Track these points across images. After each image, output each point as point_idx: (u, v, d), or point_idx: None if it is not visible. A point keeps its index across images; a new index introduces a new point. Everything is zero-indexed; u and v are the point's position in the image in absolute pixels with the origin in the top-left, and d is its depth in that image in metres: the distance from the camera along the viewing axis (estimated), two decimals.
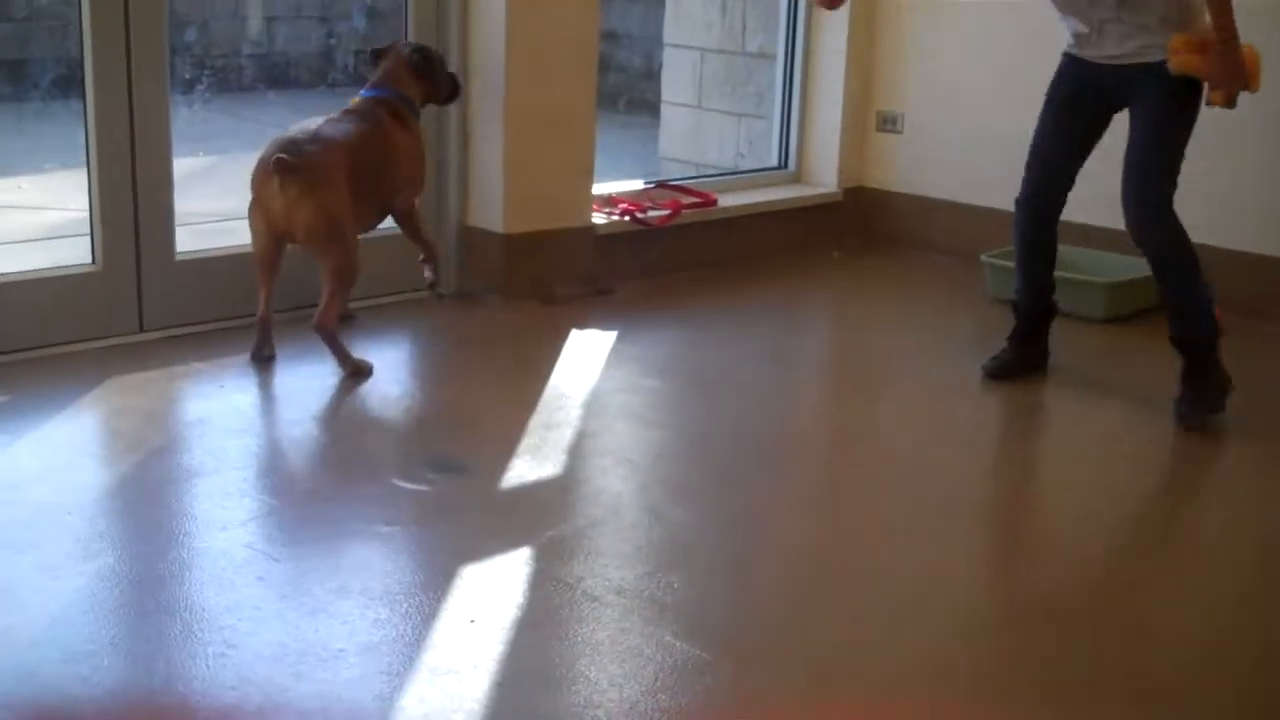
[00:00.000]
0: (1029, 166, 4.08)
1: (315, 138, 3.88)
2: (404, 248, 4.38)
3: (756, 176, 5.71)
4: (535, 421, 3.64)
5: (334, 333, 3.88)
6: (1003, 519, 3.27)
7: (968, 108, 5.43)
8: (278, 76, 8.00)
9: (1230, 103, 3.72)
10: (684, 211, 5.11)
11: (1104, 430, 3.86)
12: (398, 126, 4.13)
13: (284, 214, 3.80)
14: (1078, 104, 3.97)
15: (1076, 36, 3.92)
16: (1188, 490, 3.66)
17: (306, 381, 3.86)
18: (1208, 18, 3.65)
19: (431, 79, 4.25)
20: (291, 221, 3.80)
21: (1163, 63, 3.74)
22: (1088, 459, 3.69)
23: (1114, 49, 3.83)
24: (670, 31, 6.68)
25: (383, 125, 4.08)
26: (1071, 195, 5.15)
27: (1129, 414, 3.96)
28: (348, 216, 3.88)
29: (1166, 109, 3.79)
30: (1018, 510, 3.34)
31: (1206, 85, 3.74)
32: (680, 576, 2.86)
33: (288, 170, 3.76)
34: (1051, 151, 4.03)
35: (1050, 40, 5.12)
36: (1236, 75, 3.67)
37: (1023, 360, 4.17)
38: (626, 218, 4.95)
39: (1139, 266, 4.85)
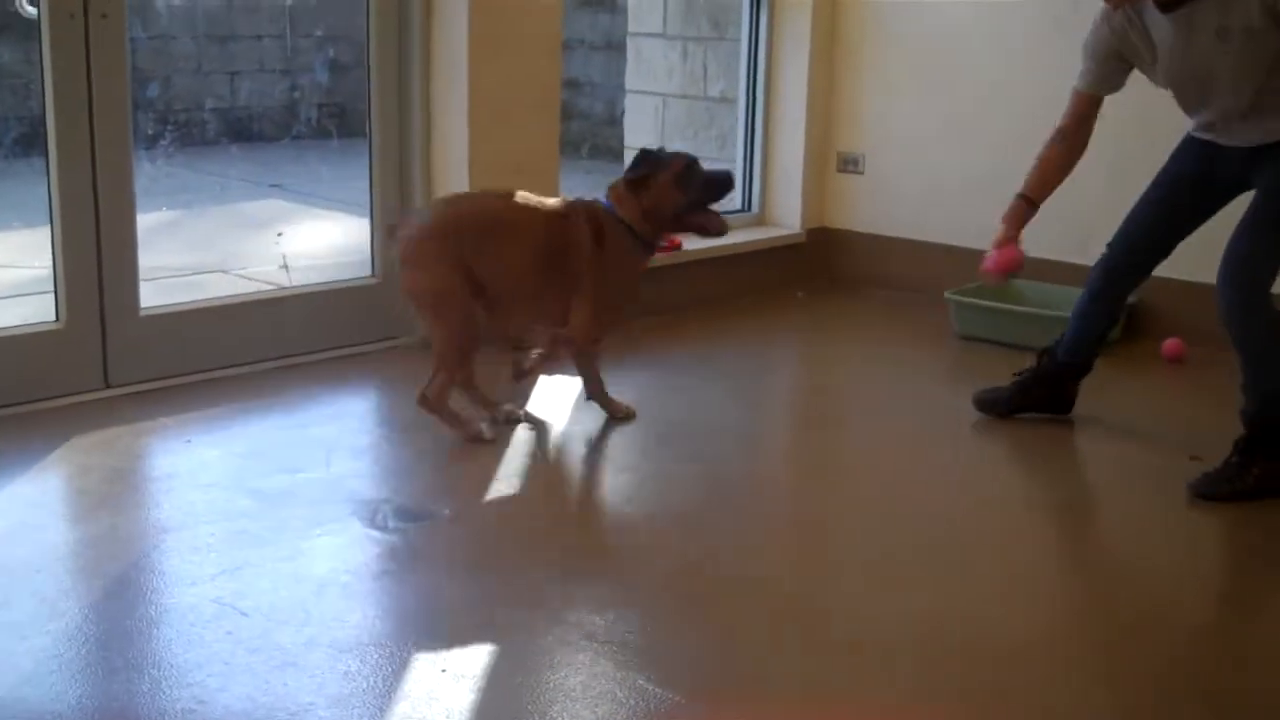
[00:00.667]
0: (1123, 230, 4.00)
1: (443, 207, 3.91)
2: (366, 295, 4.39)
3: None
4: (505, 468, 3.64)
5: (434, 407, 3.77)
6: (974, 557, 3.28)
7: (927, 147, 5.48)
8: (241, 130, 8.01)
9: None
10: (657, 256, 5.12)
11: (1080, 464, 3.89)
12: (585, 237, 3.79)
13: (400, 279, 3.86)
14: (1197, 184, 3.85)
15: (1201, 125, 3.80)
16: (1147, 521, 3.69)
17: (275, 434, 3.85)
18: None
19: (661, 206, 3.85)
20: (401, 286, 3.85)
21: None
22: (1061, 494, 3.71)
23: (1243, 136, 3.70)
24: (632, 78, 6.73)
25: (559, 226, 3.80)
26: (1051, 233, 5.23)
27: (1094, 444, 3.99)
28: (447, 295, 3.69)
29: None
30: (992, 548, 3.35)
31: None
32: (652, 619, 2.86)
33: (389, 235, 3.90)
34: (1156, 222, 3.93)
35: (1007, 80, 5.22)
36: None
37: (1032, 403, 4.12)
38: None
39: None
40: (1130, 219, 3.96)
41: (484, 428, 3.82)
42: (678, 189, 3.84)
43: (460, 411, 3.84)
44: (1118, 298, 4.07)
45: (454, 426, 3.80)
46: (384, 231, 3.80)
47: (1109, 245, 4.02)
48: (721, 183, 3.93)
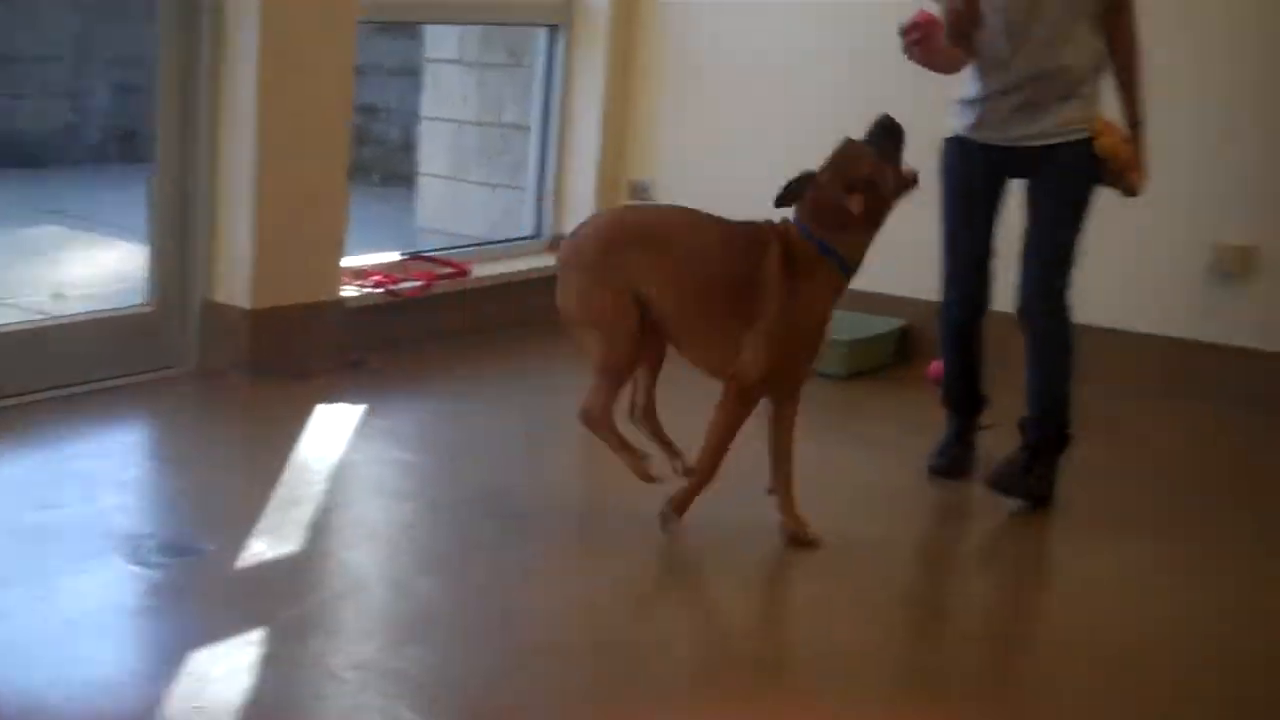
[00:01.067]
0: (947, 256, 3.94)
1: (615, 216, 3.78)
2: (139, 324, 4.27)
3: (511, 246, 5.73)
4: (277, 498, 3.57)
5: (596, 424, 3.52)
6: (739, 579, 3.33)
7: (716, 174, 5.56)
8: (21, 155, 7.71)
9: (1139, 191, 3.76)
10: (437, 282, 5.11)
11: (860, 479, 3.99)
12: (775, 264, 3.39)
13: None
14: (984, 190, 3.88)
15: (980, 114, 3.81)
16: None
17: (37, 469, 3.71)
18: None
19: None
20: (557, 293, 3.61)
21: (1083, 140, 3.70)
22: (838, 508, 3.78)
23: (1022, 129, 3.75)
24: (428, 105, 6.70)
25: (745, 250, 3.43)
26: None
27: (872, 462, 4.09)
28: (604, 309, 3.44)
29: (1082, 189, 3.75)
30: (763, 564, 3.40)
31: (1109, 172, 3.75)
32: (422, 649, 2.84)
33: (552, 246, 3.57)
34: (973, 245, 3.89)
35: (796, 111, 5.34)
36: (1144, 162, 3.75)
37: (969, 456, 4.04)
38: (380, 290, 4.92)
39: (876, 325, 5.07)
40: (946, 254, 3.94)
41: (652, 467, 3.52)
42: (880, 164, 3.43)
43: (630, 440, 3.57)
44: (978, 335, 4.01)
45: (620, 453, 3.53)
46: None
47: (951, 305, 3.94)
48: (885, 125, 3.49)
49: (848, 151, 3.44)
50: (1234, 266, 4.49)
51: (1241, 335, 4.55)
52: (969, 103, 3.81)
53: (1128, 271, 4.68)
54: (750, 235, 3.44)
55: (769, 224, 3.45)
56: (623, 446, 3.54)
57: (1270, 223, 4.41)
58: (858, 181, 3.37)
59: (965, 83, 3.80)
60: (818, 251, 3.39)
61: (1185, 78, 4.48)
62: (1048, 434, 3.75)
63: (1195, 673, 2.99)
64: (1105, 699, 2.83)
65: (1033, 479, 3.73)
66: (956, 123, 3.84)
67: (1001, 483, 3.74)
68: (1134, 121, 3.76)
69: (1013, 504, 3.75)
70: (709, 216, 3.51)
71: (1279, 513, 3.92)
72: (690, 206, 3.59)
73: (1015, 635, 3.26)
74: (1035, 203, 3.80)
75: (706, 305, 3.43)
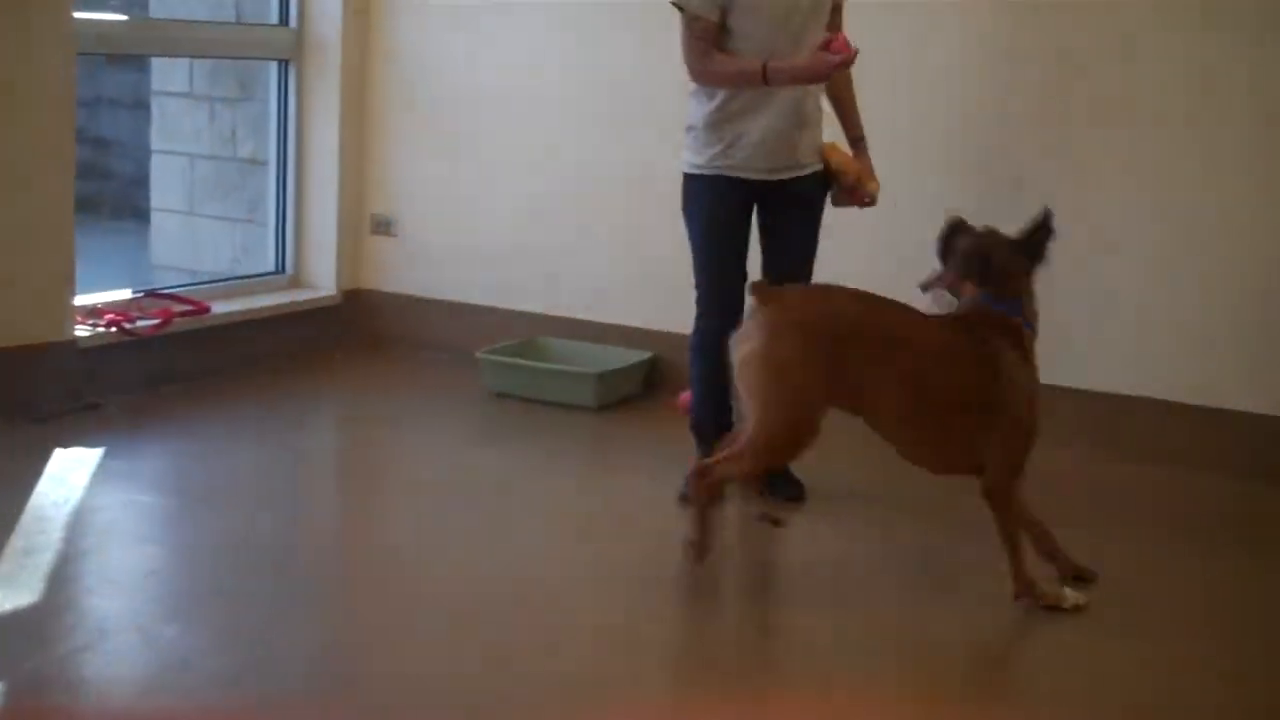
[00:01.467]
0: (710, 287, 3.96)
1: (816, 301, 3.43)
2: None
3: (253, 282, 5.64)
4: (13, 548, 3.42)
5: (708, 491, 3.38)
6: (523, 601, 3.36)
7: (457, 209, 5.60)
8: None
9: (877, 199, 4.01)
10: (176, 320, 4.98)
11: (610, 507, 4.06)
12: (1005, 357, 3.28)
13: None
14: (740, 219, 3.96)
15: (738, 147, 3.86)
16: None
17: None
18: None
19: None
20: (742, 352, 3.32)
21: (817, 170, 3.92)
22: (597, 535, 3.85)
23: (776, 163, 3.87)
24: (158, 138, 6.52)
25: (972, 351, 3.28)
26: (563, 289, 5.45)
27: (624, 490, 4.18)
28: (792, 384, 3.27)
29: (818, 214, 3.99)
30: (541, 593, 3.44)
31: (839, 187, 3.96)
32: (169, 696, 2.77)
33: (755, 291, 3.38)
34: (733, 272, 3.93)
35: (531, 145, 5.41)
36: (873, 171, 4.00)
37: None
38: (113, 329, 4.76)
39: (625, 357, 5.18)
40: (714, 290, 3.96)
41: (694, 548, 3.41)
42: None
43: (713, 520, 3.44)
44: None
45: (696, 527, 3.41)
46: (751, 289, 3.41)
47: (708, 317, 3.96)
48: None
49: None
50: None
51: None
52: (723, 136, 3.89)
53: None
54: (967, 329, 3.32)
55: (976, 310, 3.34)
56: (704, 527, 3.42)
57: None
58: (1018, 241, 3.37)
59: (714, 117, 3.88)
60: (1022, 325, 3.33)
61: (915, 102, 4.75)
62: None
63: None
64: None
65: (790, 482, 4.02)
66: (705, 157, 3.91)
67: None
68: (858, 137, 4.05)
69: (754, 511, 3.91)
70: (912, 310, 3.37)
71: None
72: (880, 295, 3.41)
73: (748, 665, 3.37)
74: (785, 230, 3.99)
75: (939, 410, 3.31)
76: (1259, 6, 4.29)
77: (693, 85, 3.93)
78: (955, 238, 3.42)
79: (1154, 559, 3.78)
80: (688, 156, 3.97)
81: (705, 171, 3.93)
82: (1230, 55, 4.32)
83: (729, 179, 3.92)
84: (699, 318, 4.03)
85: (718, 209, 3.95)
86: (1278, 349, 4.39)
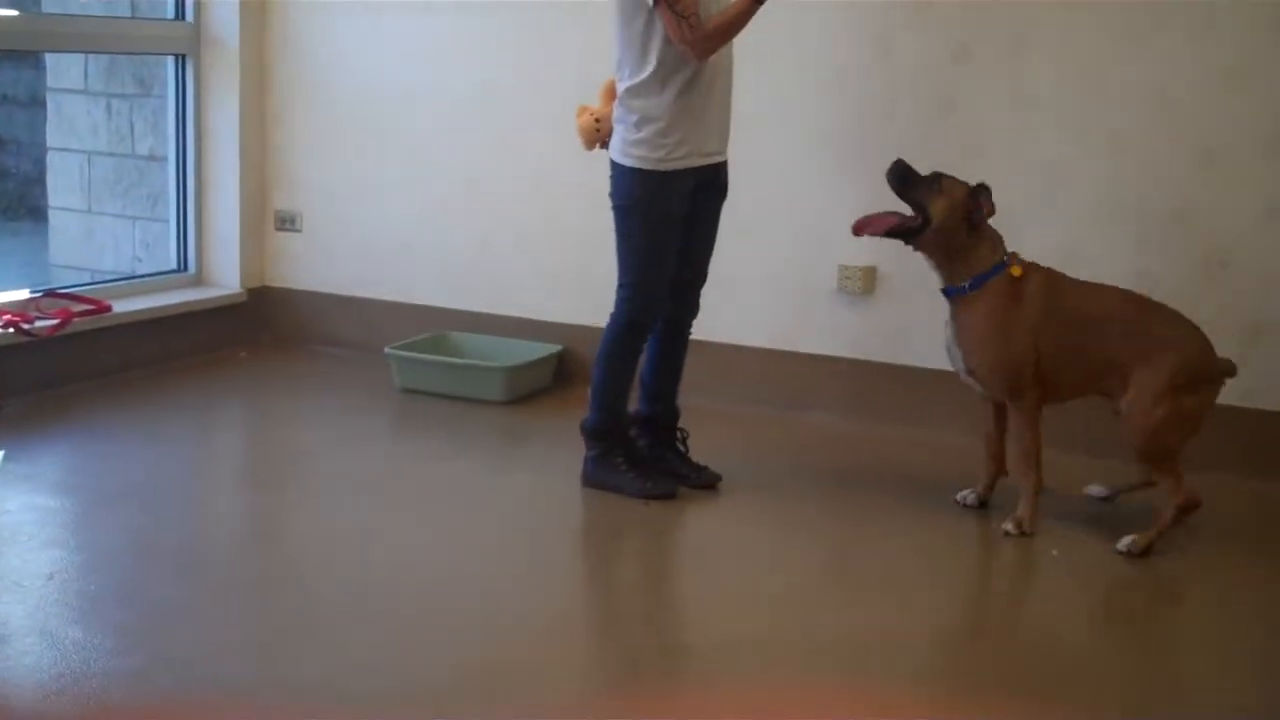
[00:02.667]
0: (653, 284, 3.97)
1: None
2: None
3: (155, 280, 5.56)
4: None
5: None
6: (435, 597, 3.35)
7: (363, 204, 5.56)
8: None
9: None
10: (76, 320, 4.90)
11: (520, 499, 4.06)
12: None
13: None
14: (683, 212, 3.95)
15: (696, 135, 3.87)
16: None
17: None
18: None
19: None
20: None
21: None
22: (505, 526, 3.86)
23: (717, 145, 3.94)
24: (54, 135, 6.41)
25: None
26: (470, 285, 5.44)
27: (536, 483, 4.19)
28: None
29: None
30: (453, 588, 3.44)
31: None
32: (73, 698, 2.74)
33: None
34: (669, 268, 3.97)
35: (433, 142, 5.39)
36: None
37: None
38: (10, 329, 4.68)
39: (534, 350, 5.19)
40: (655, 281, 3.97)
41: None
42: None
43: None
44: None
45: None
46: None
47: (644, 311, 3.99)
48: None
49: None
50: (857, 285, 4.81)
51: (865, 348, 4.87)
52: (683, 125, 3.84)
53: (758, 292, 4.95)
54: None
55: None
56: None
57: (889, 244, 4.75)
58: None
59: (675, 108, 3.83)
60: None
61: (800, 107, 4.80)
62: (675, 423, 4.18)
63: None
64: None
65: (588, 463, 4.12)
66: (664, 152, 3.85)
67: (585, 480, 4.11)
68: None
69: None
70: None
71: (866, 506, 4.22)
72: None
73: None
74: (710, 218, 4.05)
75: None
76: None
77: (638, 80, 3.81)
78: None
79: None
80: (640, 152, 3.86)
81: (663, 167, 3.86)
82: (1120, 54, 4.42)
83: (684, 171, 3.89)
84: (630, 312, 3.99)
85: (672, 205, 3.92)
86: None
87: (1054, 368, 3.80)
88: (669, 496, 4.03)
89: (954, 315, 3.89)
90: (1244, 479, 4.28)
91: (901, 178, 3.90)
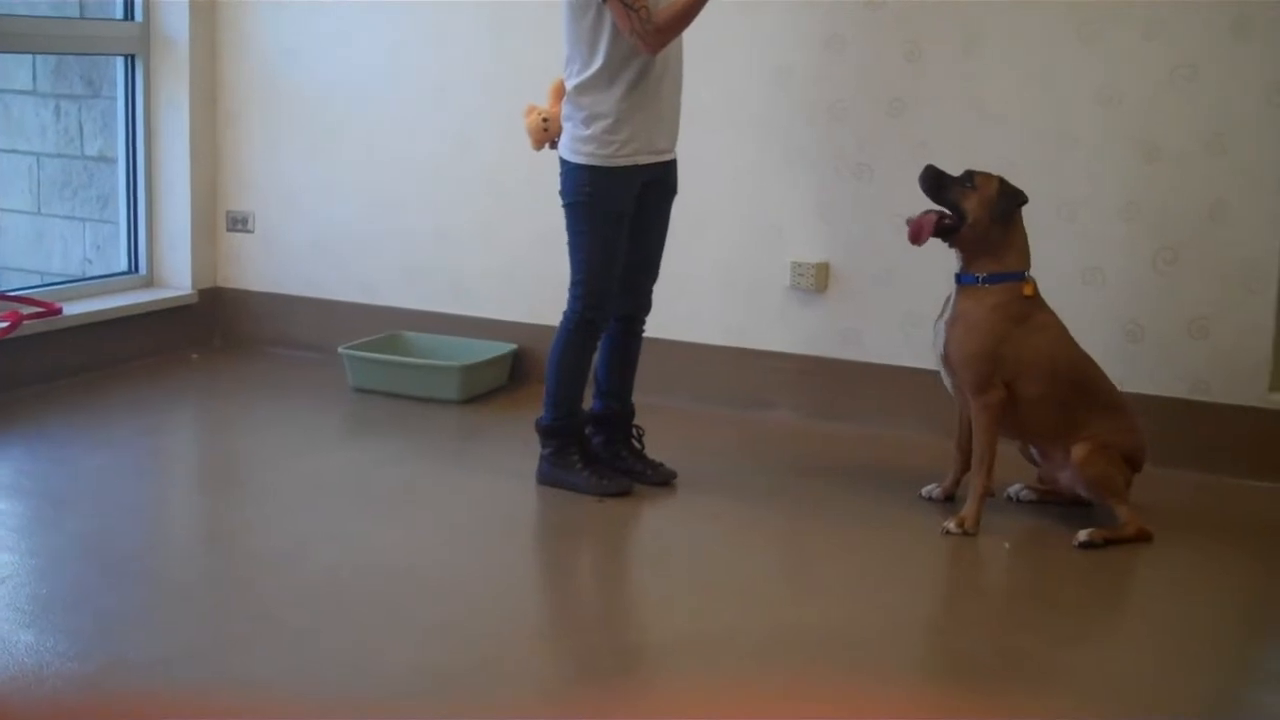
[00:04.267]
0: (604, 282, 3.95)
1: None
2: None
3: (106, 282, 5.52)
4: None
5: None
6: (391, 598, 3.34)
7: (315, 204, 5.54)
8: None
9: None
10: (26, 322, 4.85)
11: (476, 498, 4.05)
12: None
13: None
14: (630, 212, 3.95)
15: (646, 131, 3.87)
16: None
17: None
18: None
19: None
20: None
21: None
22: (459, 526, 3.85)
23: (666, 143, 3.96)
24: (2, 137, 6.33)
25: None
26: (425, 284, 5.43)
27: (492, 482, 4.18)
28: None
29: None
30: (409, 589, 3.43)
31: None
32: (24, 701, 2.71)
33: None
34: (620, 264, 3.98)
35: (384, 143, 5.37)
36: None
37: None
38: None
39: (488, 349, 5.18)
40: (606, 278, 3.97)
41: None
42: None
43: None
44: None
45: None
46: None
47: (597, 309, 3.98)
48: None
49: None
50: (810, 282, 4.84)
51: (819, 345, 4.90)
52: (634, 121, 3.84)
53: (711, 289, 4.97)
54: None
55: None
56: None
57: (839, 240, 4.77)
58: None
59: (624, 105, 3.83)
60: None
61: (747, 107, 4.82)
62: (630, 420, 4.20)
63: None
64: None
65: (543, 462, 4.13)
66: (613, 148, 3.85)
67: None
68: None
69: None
70: None
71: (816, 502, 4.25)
72: None
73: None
74: (661, 218, 4.06)
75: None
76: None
77: (586, 76, 3.82)
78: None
79: None
80: (589, 149, 3.86)
81: (612, 164, 3.86)
82: (1069, 52, 4.46)
83: (633, 168, 3.89)
84: (583, 310, 3.98)
85: (622, 202, 3.92)
86: None
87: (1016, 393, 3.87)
88: (624, 494, 4.03)
89: (956, 301, 3.91)
90: (1191, 471, 4.33)
91: (934, 183, 3.91)
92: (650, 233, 4.06)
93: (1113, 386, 3.94)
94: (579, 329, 4.02)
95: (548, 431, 4.10)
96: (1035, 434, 3.96)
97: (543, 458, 4.11)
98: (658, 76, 3.85)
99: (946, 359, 3.92)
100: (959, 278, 3.91)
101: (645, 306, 4.16)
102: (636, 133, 3.86)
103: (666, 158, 3.99)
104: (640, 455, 4.20)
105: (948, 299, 3.95)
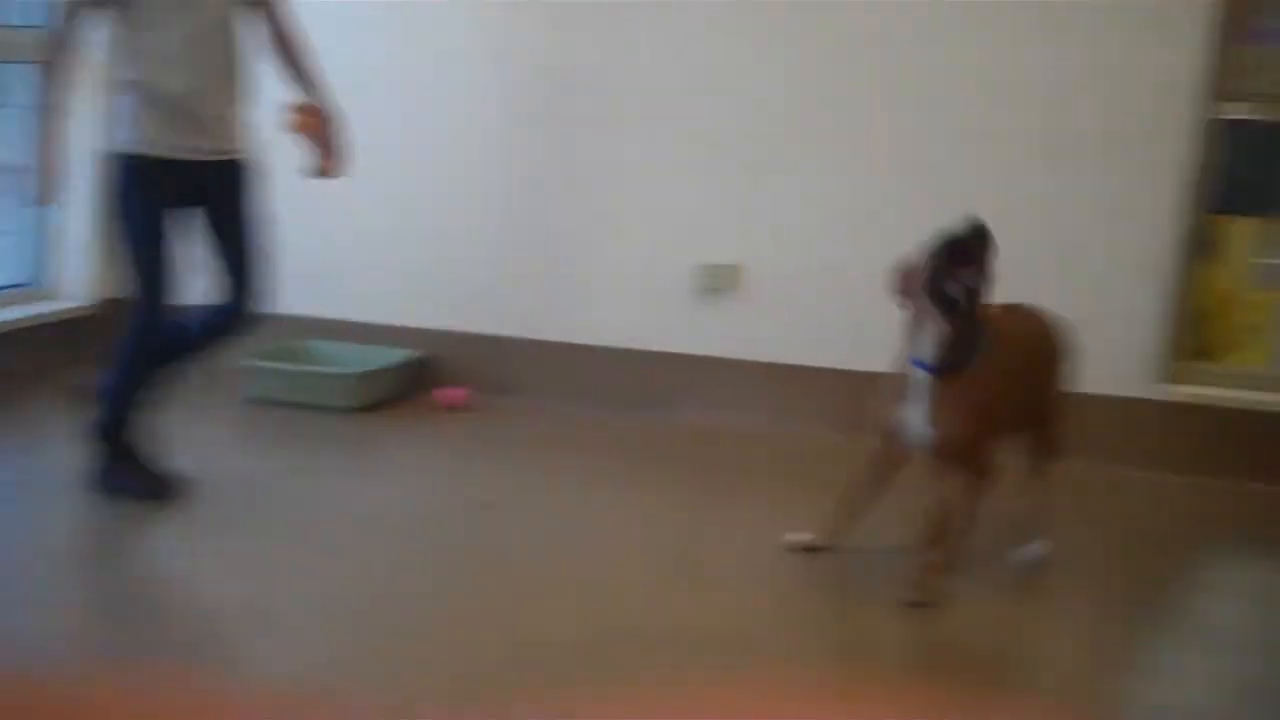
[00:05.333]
0: (155, 280, 3.84)
1: None
2: None
3: (3, 294, 5.41)
4: None
5: None
6: (260, 614, 3.27)
7: None
8: None
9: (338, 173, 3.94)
10: None
11: (371, 508, 4.00)
12: None
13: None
14: (170, 204, 3.81)
15: (177, 128, 3.74)
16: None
17: None
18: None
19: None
20: None
21: (245, 160, 3.84)
22: (358, 538, 3.78)
23: (220, 142, 3.80)
24: None
25: None
26: (326, 291, 5.35)
27: (393, 490, 4.11)
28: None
29: (257, 198, 3.93)
30: (275, 600, 3.35)
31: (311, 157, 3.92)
32: None
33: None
34: (167, 256, 3.84)
35: (284, 141, 5.27)
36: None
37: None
38: None
39: (387, 357, 5.12)
40: (155, 275, 3.86)
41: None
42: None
43: None
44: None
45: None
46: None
47: (162, 314, 3.89)
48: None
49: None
50: (719, 284, 4.80)
51: (728, 347, 4.86)
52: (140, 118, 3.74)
53: (616, 292, 4.92)
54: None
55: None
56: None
57: (750, 241, 4.74)
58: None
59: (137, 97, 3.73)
60: None
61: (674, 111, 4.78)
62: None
63: None
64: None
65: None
66: (133, 137, 3.76)
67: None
68: (334, 113, 3.99)
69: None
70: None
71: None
72: None
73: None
74: (224, 216, 3.93)
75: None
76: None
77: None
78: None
79: None
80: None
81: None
82: (977, 50, 4.45)
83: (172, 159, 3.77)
84: (146, 315, 3.86)
85: (170, 193, 3.78)
86: None
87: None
88: (172, 494, 3.93)
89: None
90: (1089, 463, 4.32)
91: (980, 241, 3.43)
92: (226, 231, 3.95)
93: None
94: (148, 336, 3.90)
95: (102, 437, 4.01)
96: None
97: (97, 467, 4.01)
98: (184, 74, 3.74)
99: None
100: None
101: (250, 307, 4.04)
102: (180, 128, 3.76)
103: (216, 157, 3.86)
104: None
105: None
